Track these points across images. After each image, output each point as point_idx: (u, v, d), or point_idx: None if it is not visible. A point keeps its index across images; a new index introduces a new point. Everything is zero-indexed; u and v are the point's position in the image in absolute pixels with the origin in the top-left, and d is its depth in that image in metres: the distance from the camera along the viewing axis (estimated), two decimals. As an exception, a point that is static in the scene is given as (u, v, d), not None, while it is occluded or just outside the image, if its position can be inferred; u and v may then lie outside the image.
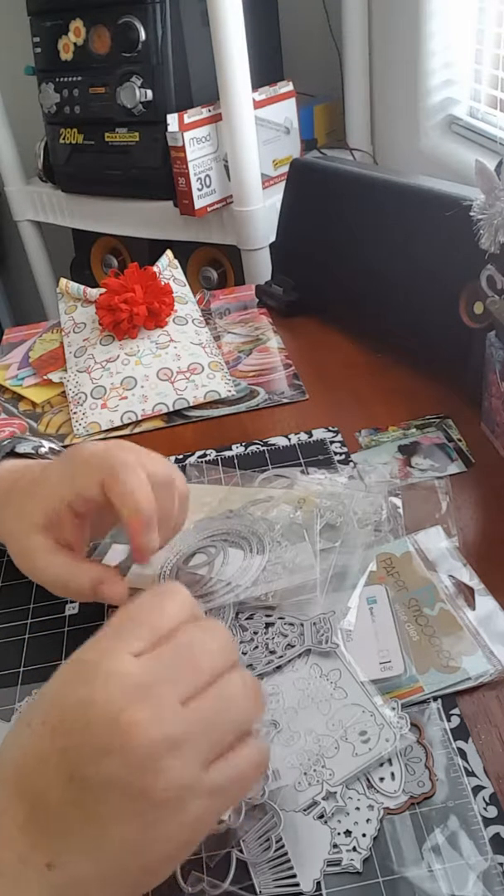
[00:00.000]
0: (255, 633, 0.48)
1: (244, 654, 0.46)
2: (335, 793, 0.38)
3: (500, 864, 0.35)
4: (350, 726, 0.41)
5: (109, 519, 0.49)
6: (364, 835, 0.37)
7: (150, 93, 1.17)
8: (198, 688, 0.31)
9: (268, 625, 0.48)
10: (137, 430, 0.73)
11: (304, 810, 0.38)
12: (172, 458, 0.67)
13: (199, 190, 1.18)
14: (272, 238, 0.94)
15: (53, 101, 1.31)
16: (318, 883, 0.35)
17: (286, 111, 1.27)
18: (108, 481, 0.43)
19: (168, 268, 0.89)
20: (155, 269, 0.86)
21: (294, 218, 0.89)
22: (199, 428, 0.72)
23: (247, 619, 0.49)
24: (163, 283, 0.80)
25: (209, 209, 1.21)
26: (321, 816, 0.38)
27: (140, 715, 0.29)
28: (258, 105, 1.17)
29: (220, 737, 0.31)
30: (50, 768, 0.29)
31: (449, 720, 0.42)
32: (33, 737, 0.30)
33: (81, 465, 0.45)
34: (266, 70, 1.28)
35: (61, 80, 1.29)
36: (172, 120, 1.13)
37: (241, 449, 0.67)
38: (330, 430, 0.68)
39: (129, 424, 0.73)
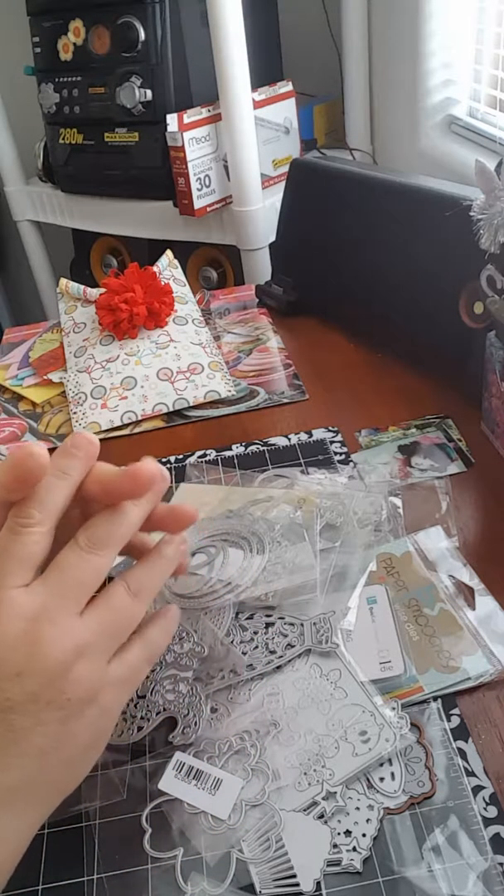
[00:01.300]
0: (255, 633, 0.48)
1: (244, 654, 0.46)
2: (335, 793, 0.38)
3: (500, 864, 0.35)
4: (350, 726, 0.41)
5: None
6: (364, 835, 0.37)
7: (149, 93, 1.17)
8: (85, 600, 0.34)
9: (268, 625, 0.48)
10: (137, 430, 0.73)
11: (304, 810, 0.38)
12: (172, 458, 0.67)
13: (199, 190, 1.18)
14: (272, 238, 0.94)
15: (53, 101, 1.31)
16: (318, 883, 0.35)
17: (286, 111, 1.27)
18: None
19: (168, 268, 0.89)
20: (155, 269, 0.86)
21: (294, 218, 0.89)
22: (199, 428, 0.72)
23: (247, 619, 0.49)
24: (163, 283, 0.80)
25: (209, 209, 1.21)
26: (321, 816, 0.38)
27: (43, 635, 0.32)
28: (258, 105, 1.17)
29: (117, 637, 0.36)
30: None
31: (449, 720, 0.42)
32: None
33: None
34: (266, 70, 1.28)
35: (61, 80, 1.29)
36: (172, 120, 1.13)
37: (241, 449, 0.67)
38: (330, 430, 0.68)
39: (129, 424, 0.73)
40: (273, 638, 0.47)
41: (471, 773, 0.39)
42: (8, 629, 0.32)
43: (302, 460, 0.64)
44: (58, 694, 0.32)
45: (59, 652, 0.32)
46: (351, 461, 0.63)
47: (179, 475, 0.64)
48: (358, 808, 0.38)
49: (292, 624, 0.48)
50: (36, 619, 0.33)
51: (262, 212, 1.17)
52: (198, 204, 1.19)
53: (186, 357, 0.77)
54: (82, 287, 0.87)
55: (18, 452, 0.34)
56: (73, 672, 0.33)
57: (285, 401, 0.74)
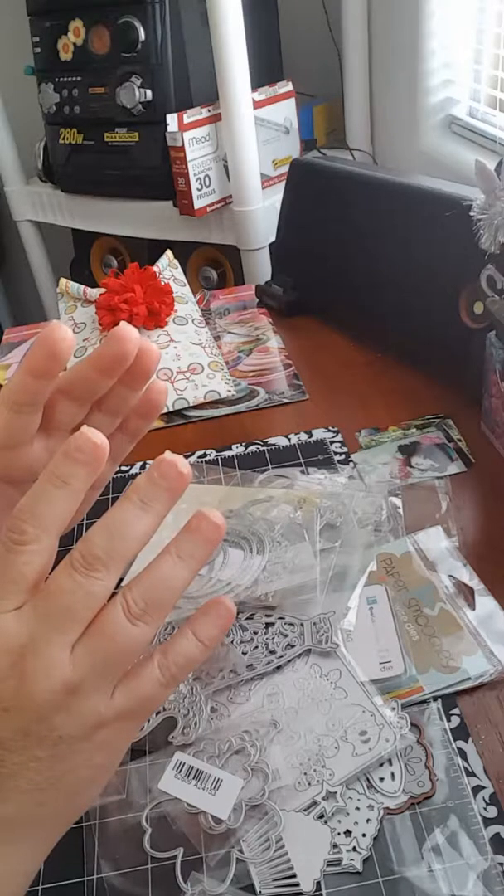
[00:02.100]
0: (255, 633, 0.48)
1: (244, 654, 0.46)
2: (335, 793, 0.38)
3: (500, 864, 0.35)
4: (350, 726, 0.41)
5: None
6: (364, 835, 0.37)
7: (149, 93, 1.17)
8: (79, 631, 0.30)
9: (268, 625, 0.48)
10: (137, 430, 0.73)
11: (304, 810, 0.38)
12: (172, 458, 0.67)
13: (199, 190, 1.18)
14: (272, 238, 0.94)
15: (53, 101, 1.31)
16: (318, 883, 0.35)
17: (286, 111, 1.27)
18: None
19: (168, 268, 0.89)
20: (155, 269, 0.86)
21: (294, 218, 0.89)
22: (199, 428, 0.72)
23: (247, 619, 0.49)
24: (163, 283, 0.80)
25: (209, 209, 1.21)
26: (321, 816, 0.38)
27: (29, 670, 0.29)
28: (258, 105, 1.17)
29: (115, 668, 0.31)
30: None
31: (449, 720, 0.42)
32: None
33: None
34: (266, 70, 1.28)
35: (61, 80, 1.29)
36: (172, 120, 1.13)
37: (241, 449, 0.67)
38: (330, 430, 0.68)
39: (128, 424, 0.73)
40: (273, 638, 0.47)
41: (471, 773, 0.39)
42: None
43: (302, 460, 0.64)
44: (48, 731, 0.30)
45: (45, 691, 0.29)
46: (351, 461, 0.63)
47: (179, 475, 0.64)
48: (358, 808, 0.38)
49: (292, 624, 0.48)
50: (22, 651, 0.29)
51: (262, 212, 1.17)
52: (198, 204, 1.19)
53: (186, 357, 0.77)
54: (82, 287, 0.87)
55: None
56: (63, 709, 0.30)
57: (285, 401, 0.74)
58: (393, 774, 0.39)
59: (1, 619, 0.30)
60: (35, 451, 0.40)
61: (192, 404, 0.74)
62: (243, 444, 0.67)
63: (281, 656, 0.46)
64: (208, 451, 0.67)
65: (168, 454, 0.32)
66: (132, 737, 0.33)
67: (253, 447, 0.67)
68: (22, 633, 0.30)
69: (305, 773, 0.40)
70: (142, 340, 0.36)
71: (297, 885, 0.35)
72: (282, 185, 0.90)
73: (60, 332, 0.33)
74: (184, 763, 0.41)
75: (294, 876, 0.36)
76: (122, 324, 0.36)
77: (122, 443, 0.44)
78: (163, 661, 0.32)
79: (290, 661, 0.46)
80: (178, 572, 0.32)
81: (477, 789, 0.38)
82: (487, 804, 0.38)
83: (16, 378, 0.37)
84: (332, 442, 0.66)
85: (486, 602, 0.48)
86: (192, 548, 0.32)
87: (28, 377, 0.35)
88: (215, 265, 1.36)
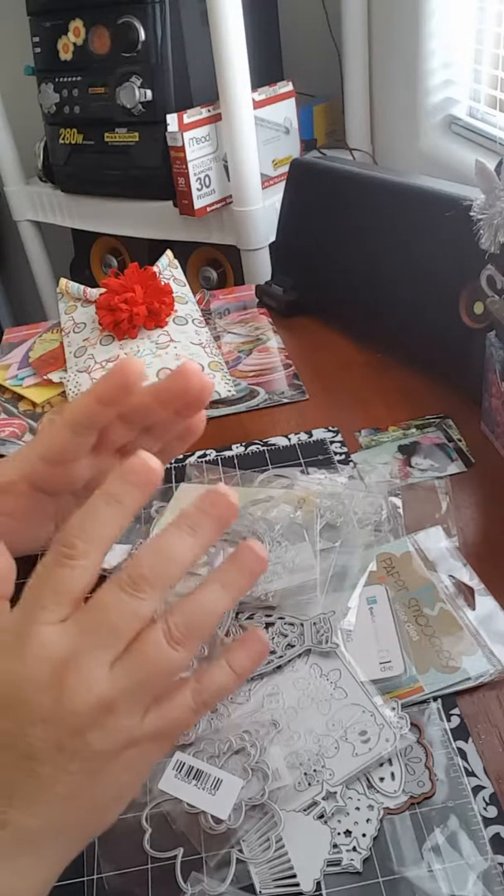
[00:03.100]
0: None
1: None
2: (335, 793, 0.38)
3: (500, 864, 0.35)
4: (350, 726, 0.41)
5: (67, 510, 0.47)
6: (364, 835, 0.37)
7: (149, 93, 1.17)
8: (120, 649, 0.31)
9: (268, 625, 0.48)
10: (137, 430, 0.73)
11: (304, 810, 0.38)
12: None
13: (199, 190, 1.18)
14: (272, 238, 0.94)
15: (53, 101, 1.31)
16: (318, 883, 0.36)
17: (286, 111, 1.27)
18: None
19: (168, 268, 0.89)
20: (155, 269, 0.86)
21: (294, 218, 0.89)
22: (198, 428, 0.72)
23: (247, 619, 0.49)
24: (163, 283, 0.80)
25: (209, 209, 1.21)
26: (321, 816, 0.38)
27: (69, 683, 0.30)
28: (258, 105, 1.17)
29: (151, 689, 0.31)
30: None
31: (449, 720, 0.42)
32: None
33: (43, 426, 0.42)
34: (266, 70, 1.28)
35: (61, 80, 1.29)
36: (172, 120, 1.13)
37: (241, 449, 0.67)
38: (330, 430, 0.68)
39: (128, 424, 0.73)
40: (273, 638, 0.47)
41: (471, 773, 0.39)
42: (35, 671, 0.30)
43: (302, 460, 0.64)
44: (82, 745, 0.30)
45: (83, 705, 0.30)
46: (351, 461, 0.63)
47: (179, 475, 0.64)
48: (358, 808, 0.38)
49: (292, 624, 0.48)
50: (64, 663, 0.30)
51: (262, 212, 1.17)
52: (198, 204, 1.19)
53: (186, 357, 0.77)
54: (82, 287, 0.87)
55: (123, 361, 0.33)
56: (99, 724, 0.30)
57: (285, 401, 0.74)
58: (393, 774, 0.39)
59: (45, 630, 0.30)
60: (81, 468, 0.43)
61: (192, 404, 0.74)
62: (243, 444, 0.67)
63: (281, 656, 0.46)
64: (208, 451, 0.67)
65: (221, 486, 0.33)
66: (158, 759, 0.33)
67: (253, 447, 0.67)
68: (64, 646, 0.30)
69: (305, 773, 0.40)
70: (203, 377, 0.39)
71: (297, 885, 0.35)
72: (282, 185, 0.90)
73: (135, 366, 0.35)
74: (184, 763, 0.41)
75: (294, 876, 0.36)
76: (188, 360, 0.38)
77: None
78: (196, 688, 0.33)
79: (290, 661, 0.46)
80: (220, 601, 0.32)
81: (477, 789, 0.38)
82: (487, 804, 0.38)
83: (82, 401, 0.39)
84: (332, 442, 0.66)
85: (486, 602, 0.48)
86: (236, 578, 0.33)
87: (96, 403, 0.37)
88: (215, 265, 1.36)
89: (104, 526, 0.32)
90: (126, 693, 0.30)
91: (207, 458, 0.66)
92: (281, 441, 0.67)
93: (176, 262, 0.91)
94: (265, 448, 0.66)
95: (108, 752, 0.30)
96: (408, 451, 0.64)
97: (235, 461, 0.65)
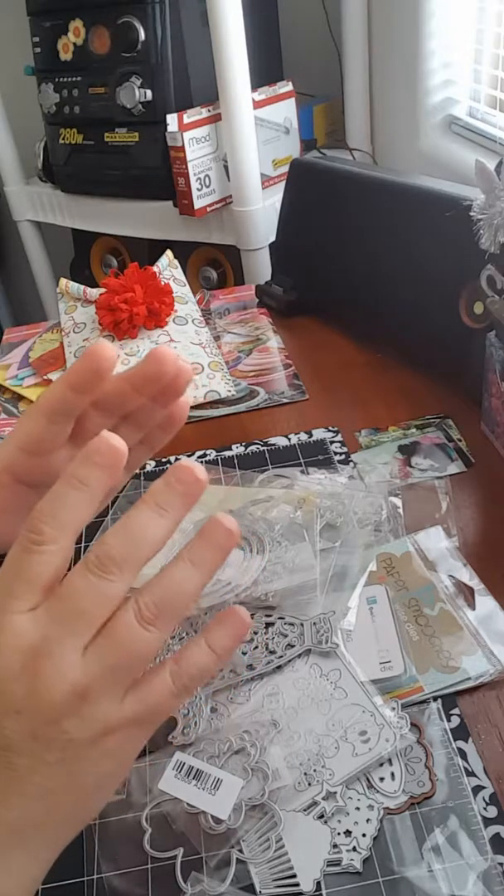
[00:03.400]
0: (255, 633, 0.48)
1: (244, 654, 0.46)
2: (335, 793, 0.38)
3: (500, 864, 0.35)
4: (350, 726, 0.41)
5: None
6: (364, 835, 0.37)
7: (149, 93, 1.17)
8: (91, 634, 0.30)
9: (268, 625, 0.48)
10: (137, 430, 0.73)
11: (304, 810, 0.38)
12: (172, 457, 0.67)
13: (199, 190, 1.18)
14: (272, 238, 0.94)
15: (53, 101, 1.31)
16: (318, 883, 0.35)
17: (286, 111, 1.27)
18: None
19: (168, 268, 0.89)
20: (155, 269, 0.86)
21: (294, 218, 0.89)
22: (199, 428, 0.72)
23: (247, 619, 0.49)
24: (163, 283, 0.80)
25: (209, 209, 1.21)
26: (321, 816, 0.38)
27: (42, 671, 0.29)
28: (258, 105, 1.17)
29: (126, 673, 0.31)
30: None
31: (449, 720, 0.42)
32: None
33: (20, 417, 0.41)
34: (266, 70, 1.28)
35: (61, 80, 1.29)
36: (172, 120, 1.13)
37: (241, 449, 0.67)
38: (330, 430, 0.68)
39: (128, 424, 0.73)
40: (273, 638, 0.47)
41: (471, 773, 0.39)
42: (6, 661, 0.29)
43: (302, 460, 0.64)
44: (59, 734, 0.29)
45: (56, 693, 0.29)
46: (351, 461, 0.63)
47: (179, 475, 0.64)
48: (358, 808, 0.38)
49: (292, 624, 0.48)
50: (36, 652, 0.29)
51: (262, 212, 1.17)
52: (198, 204, 1.19)
53: (186, 357, 0.77)
54: (82, 287, 0.87)
55: (94, 346, 0.32)
56: (74, 712, 0.29)
57: (285, 401, 0.74)
58: (393, 774, 0.39)
59: (15, 619, 0.30)
60: (59, 458, 0.42)
61: (192, 404, 0.74)
62: (243, 444, 0.67)
63: (281, 656, 0.46)
64: (208, 451, 0.67)
65: (185, 460, 0.32)
66: (140, 745, 0.33)
67: (253, 447, 0.67)
68: (35, 634, 0.30)
69: (305, 773, 0.40)
70: (178, 361, 0.37)
71: (297, 885, 0.35)
72: (282, 185, 0.90)
73: (106, 351, 0.34)
74: (184, 763, 0.41)
75: (294, 876, 0.36)
76: (161, 346, 0.37)
77: (141, 453, 0.45)
78: (175, 670, 0.32)
79: (290, 661, 0.46)
80: (190, 578, 0.32)
81: (477, 789, 0.38)
82: (487, 804, 0.38)
83: (55, 388, 0.38)
84: (332, 442, 0.66)
85: (486, 602, 0.48)
86: (205, 554, 0.32)
87: (68, 390, 0.36)
88: (215, 265, 1.36)
89: (71, 510, 0.31)
90: (100, 678, 0.30)
91: (207, 458, 0.66)
92: (281, 441, 0.67)
93: (176, 262, 0.91)
94: (265, 448, 0.66)
95: (86, 739, 0.30)
96: (408, 451, 0.64)
97: (235, 461, 0.65)
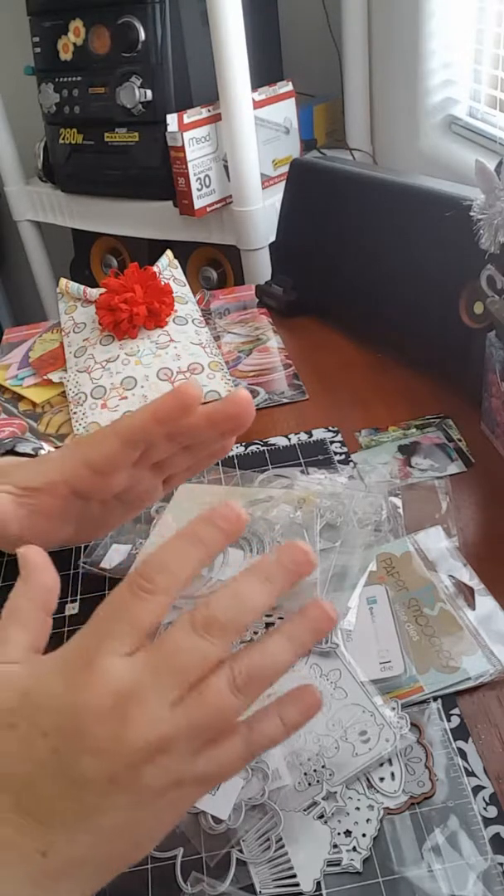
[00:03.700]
0: (255, 632, 0.48)
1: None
2: (335, 793, 0.38)
3: (500, 864, 0.35)
4: (350, 726, 0.41)
5: (99, 518, 0.49)
6: (364, 835, 0.37)
7: (149, 93, 1.17)
8: (184, 690, 0.31)
9: (268, 625, 0.48)
10: (137, 430, 0.73)
11: (304, 810, 0.38)
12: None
13: (199, 190, 1.18)
14: (272, 238, 0.94)
15: (53, 102, 1.31)
16: (318, 883, 0.36)
17: (286, 111, 1.27)
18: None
19: (168, 268, 0.89)
20: (155, 269, 0.86)
21: (294, 218, 0.89)
22: (198, 428, 0.72)
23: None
24: (163, 283, 0.80)
25: (209, 209, 1.21)
26: (321, 816, 0.38)
27: (131, 717, 0.30)
28: (258, 105, 1.17)
29: (207, 733, 0.32)
30: (41, 767, 0.30)
31: (449, 720, 0.42)
32: (20, 741, 0.30)
33: (90, 434, 0.44)
34: (266, 70, 1.28)
35: (61, 80, 1.29)
36: (172, 120, 1.13)
37: (241, 449, 0.67)
38: (330, 430, 0.68)
39: (128, 424, 0.73)
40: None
41: (471, 773, 0.39)
42: (98, 701, 0.30)
43: (302, 460, 0.64)
44: (135, 780, 0.30)
45: (142, 741, 0.30)
46: (351, 461, 0.63)
47: (179, 475, 0.64)
48: (358, 808, 0.38)
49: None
50: (128, 696, 0.30)
51: (262, 212, 1.17)
52: (198, 204, 1.19)
53: (186, 357, 0.77)
54: (82, 287, 0.87)
55: (183, 385, 0.35)
56: (153, 761, 0.30)
57: (285, 401, 0.74)
58: (393, 774, 0.39)
59: (112, 661, 0.31)
60: (119, 478, 0.45)
61: (192, 404, 0.74)
62: (243, 444, 0.67)
63: (281, 656, 0.46)
64: (208, 451, 0.67)
65: (301, 542, 0.34)
66: (195, 801, 0.34)
67: (253, 447, 0.67)
68: (130, 680, 0.30)
69: (305, 773, 0.40)
70: (252, 404, 0.41)
71: (297, 885, 0.35)
72: (282, 185, 0.90)
73: (195, 391, 0.37)
74: (184, 763, 0.41)
75: (294, 876, 0.36)
76: (243, 390, 0.39)
77: (184, 477, 0.49)
78: (248, 737, 0.33)
79: (290, 661, 0.46)
80: (284, 654, 0.33)
81: (477, 789, 0.38)
82: (487, 804, 0.38)
83: (138, 417, 0.40)
84: (332, 442, 0.66)
85: (486, 602, 0.48)
86: (303, 634, 0.34)
87: (152, 421, 0.38)
88: (215, 265, 1.36)
89: (185, 565, 0.32)
90: (184, 734, 0.31)
91: (207, 458, 0.66)
92: (281, 441, 0.67)
93: (176, 262, 0.90)
94: (265, 448, 0.66)
95: (157, 789, 0.30)
96: (408, 451, 0.64)
97: (235, 461, 0.65)
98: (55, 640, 0.50)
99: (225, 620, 0.31)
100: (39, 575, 0.36)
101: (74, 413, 0.74)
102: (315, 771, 0.40)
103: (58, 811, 0.30)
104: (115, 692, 0.30)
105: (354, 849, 0.36)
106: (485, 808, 0.37)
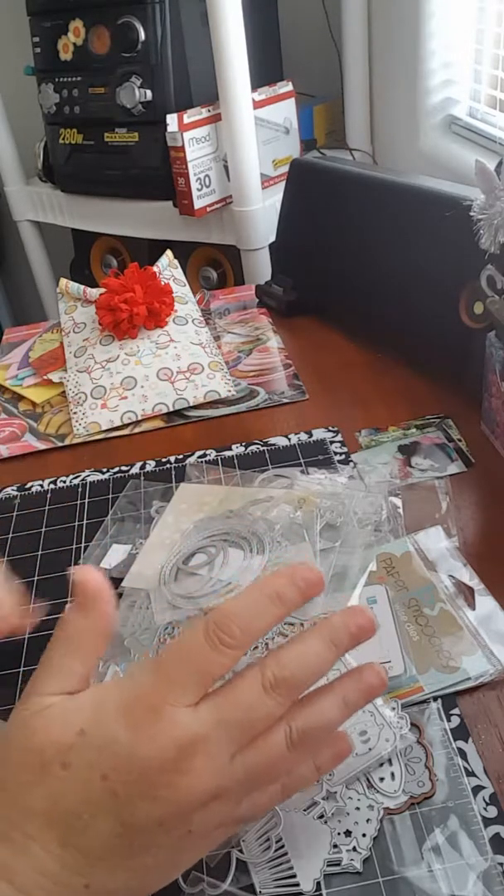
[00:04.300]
0: (273, 638, 0.48)
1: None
2: (335, 793, 0.38)
3: (500, 864, 0.35)
4: (350, 726, 0.41)
5: None
6: (364, 835, 0.37)
7: (149, 93, 1.17)
8: (245, 744, 0.32)
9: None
10: (137, 430, 0.73)
11: (304, 810, 0.38)
12: (172, 458, 0.67)
13: (199, 190, 1.18)
14: (272, 238, 0.94)
15: (53, 102, 1.31)
16: (318, 883, 0.35)
17: (286, 111, 1.27)
18: None
19: (168, 268, 0.89)
20: (155, 269, 0.86)
21: (294, 218, 0.89)
22: (199, 428, 0.72)
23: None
24: (163, 283, 0.80)
25: (209, 209, 1.21)
26: (321, 816, 0.38)
27: (193, 768, 0.30)
28: (258, 105, 1.17)
29: (259, 784, 0.33)
30: (95, 806, 0.30)
31: (449, 720, 0.42)
32: (75, 781, 0.30)
33: None
34: (266, 70, 1.28)
35: (61, 80, 1.29)
36: (172, 120, 1.13)
37: (241, 449, 0.67)
38: (330, 430, 0.68)
39: (128, 424, 0.73)
40: (273, 638, 0.47)
41: (471, 773, 0.39)
42: (161, 750, 0.30)
43: (302, 460, 0.64)
44: (182, 826, 0.30)
45: (200, 791, 0.30)
46: (351, 461, 0.63)
47: (179, 475, 0.64)
48: (358, 808, 0.38)
49: (292, 624, 0.48)
50: (193, 748, 0.30)
51: (262, 212, 1.17)
52: (198, 204, 1.19)
53: (186, 357, 0.77)
54: (82, 287, 0.87)
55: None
56: (204, 808, 0.31)
57: (285, 401, 0.74)
58: (393, 774, 0.39)
59: (179, 712, 0.31)
60: None
61: (192, 404, 0.74)
62: (243, 444, 0.67)
63: (281, 656, 0.46)
64: (208, 451, 0.67)
65: (368, 610, 0.35)
66: (226, 838, 0.34)
67: (253, 447, 0.67)
68: (195, 730, 0.30)
69: (305, 773, 0.39)
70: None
71: (297, 885, 0.35)
72: (282, 185, 0.90)
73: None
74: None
75: (294, 876, 0.36)
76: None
77: None
78: (286, 781, 0.34)
79: (290, 661, 0.46)
80: (337, 715, 0.34)
81: (477, 789, 0.38)
82: (487, 804, 0.38)
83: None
84: (332, 442, 0.66)
85: (486, 602, 0.48)
86: (356, 698, 0.34)
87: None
88: (215, 265, 1.36)
89: (263, 621, 0.33)
90: (238, 785, 0.31)
91: (207, 458, 0.66)
92: (281, 441, 0.67)
93: (176, 262, 0.91)
94: (265, 448, 0.66)
95: (202, 833, 0.31)
96: (408, 451, 0.64)
97: (235, 461, 0.65)
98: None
99: (292, 680, 0.32)
100: (103, 604, 0.35)
101: (74, 413, 0.74)
102: (315, 771, 0.39)
103: (105, 849, 0.30)
104: (181, 744, 0.30)
105: (354, 849, 0.36)
106: (485, 808, 0.37)
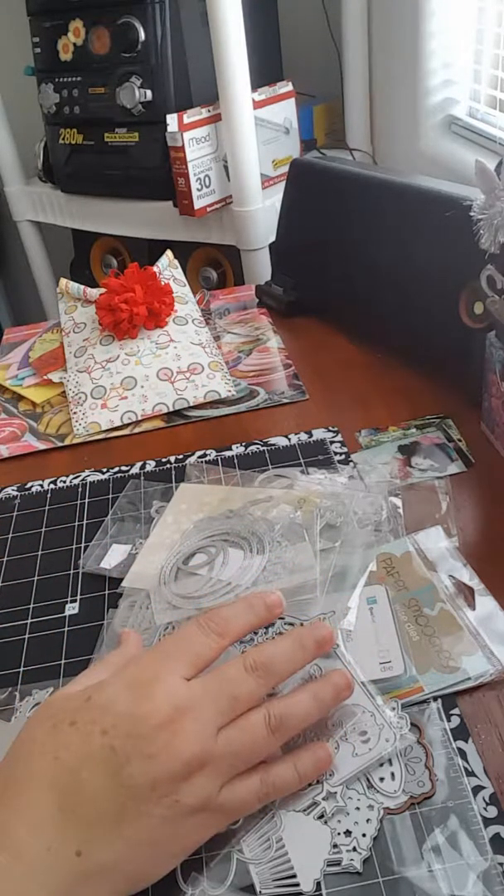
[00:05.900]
0: (255, 633, 0.48)
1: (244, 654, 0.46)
2: (335, 793, 0.38)
3: (500, 864, 0.35)
4: (350, 726, 0.41)
5: None
6: (364, 835, 0.37)
7: (149, 93, 1.17)
8: (230, 718, 0.36)
9: (268, 625, 0.48)
10: (137, 430, 0.73)
11: (304, 810, 0.38)
12: (172, 458, 0.67)
13: (199, 190, 1.18)
14: (272, 238, 0.94)
15: (53, 102, 1.31)
16: (318, 883, 0.35)
17: (286, 111, 1.27)
18: None
19: (168, 268, 0.89)
20: (155, 269, 0.86)
21: (294, 218, 0.89)
22: (199, 428, 0.72)
23: (247, 619, 0.49)
24: (163, 283, 0.80)
25: (209, 209, 1.21)
26: (321, 816, 0.38)
27: (184, 729, 0.34)
28: (258, 105, 1.17)
29: (239, 763, 0.36)
30: (94, 762, 0.33)
31: (449, 720, 0.42)
32: (79, 734, 0.34)
33: None
34: (266, 70, 1.28)
35: (61, 80, 1.29)
36: (172, 120, 1.13)
37: (241, 449, 0.67)
38: (330, 430, 0.68)
39: (129, 424, 0.73)
40: (273, 638, 0.47)
41: (471, 773, 0.39)
42: (159, 708, 0.34)
43: (302, 460, 0.64)
44: (171, 792, 0.33)
45: (188, 752, 0.33)
46: (351, 461, 0.63)
47: (179, 475, 0.64)
48: (358, 808, 0.38)
49: (292, 624, 0.48)
50: (185, 711, 0.34)
51: (262, 212, 1.17)
52: (198, 204, 1.19)
53: (186, 357, 0.77)
54: (82, 287, 0.87)
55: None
56: (189, 778, 0.34)
57: (285, 401, 0.74)
58: (393, 774, 0.39)
59: (175, 679, 0.36)
60: None
61: (192, 404, 0.74)
62: (243, 444, 0.67)
63: (281, 656, 0.46)
64: (208, 451, 0.67)
65: (328, 626, 0.43)
66: (209, 836, 0.36)
67: (253, 447, 0.67)
68: (188, 697, 0.35)
69: (305, 773, 0.39)
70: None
71: (297, 885, 0.35)
72: (282, 185, 0.90)
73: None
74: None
75: (294, 876, 0.36)
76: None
77: None
78: (265, 779, 0.37)
79: (290, 661, 0.46)
80: (310, 708, 0.39)
81: (477, 789, 0.38)
82: (487, 804, 0.38)
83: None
84: (332, 442, 0.66)
85: (486, 602, 0.48)
86: (325, 696, 0.40)
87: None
88: (215, 265, 1.36)
89: (245, 624, 0.40)
90: (220, 758, 0.35)
91: (207, 458, 0.66)
92: (281, 441, 0.67)
93: (176, 262, 0.91)
94: (265, 448, 0.66)
95: (187, 808, 0.33)
96: (408, 451, 0.64)
97: (235, 461, 0.65)
98: (55, 640, 0.50)
99: (271, 667, 0.38)
100: (132, 647, 0.44)
101: (74, 413, 0.74)
102: (315, 771, 0.39)
103: (98, 811, 0.33)
104: (175, 705, 0.34)
105: (354, 849, 0.36)
106: (485, 808, 0.37)
